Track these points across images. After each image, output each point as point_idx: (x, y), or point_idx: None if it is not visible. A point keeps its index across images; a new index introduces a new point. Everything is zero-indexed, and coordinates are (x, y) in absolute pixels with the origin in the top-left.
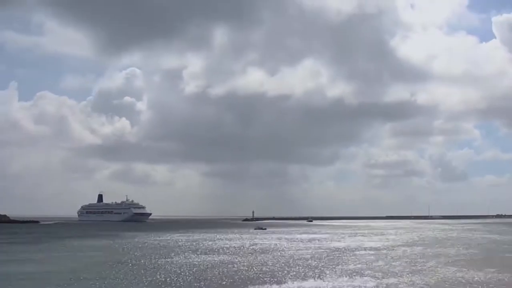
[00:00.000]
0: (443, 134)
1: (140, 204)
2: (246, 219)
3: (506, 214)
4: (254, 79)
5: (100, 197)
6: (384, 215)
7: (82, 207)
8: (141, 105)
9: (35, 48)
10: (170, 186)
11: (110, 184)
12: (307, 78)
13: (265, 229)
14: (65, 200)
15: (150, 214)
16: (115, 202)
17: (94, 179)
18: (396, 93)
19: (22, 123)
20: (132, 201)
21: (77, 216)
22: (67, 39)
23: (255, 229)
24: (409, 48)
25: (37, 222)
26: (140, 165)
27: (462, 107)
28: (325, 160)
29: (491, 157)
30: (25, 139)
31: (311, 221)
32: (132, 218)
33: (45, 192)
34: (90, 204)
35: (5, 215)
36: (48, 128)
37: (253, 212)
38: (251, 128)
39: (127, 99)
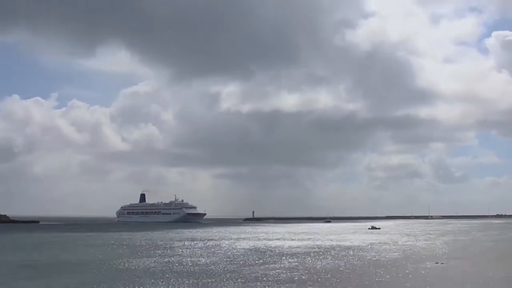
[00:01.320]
0: (443, 141)
1: (190, 204)
2: (247, 219)
3: (506, 214)
4: (282, 98)
5: (142, 197)
6: (384, 215)
7: (122, 207)
8: (168, 115)
9: (110, 75)
10: (190, 188)
11: (123, 185)
12: (327, 97)
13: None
14: (87, 200)
15: (205, 214)
16: (162, 202)
17: (107, 181)
18: (403, 109)
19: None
20: (182, 200)
21: (116, 217)
22: (135, 70)
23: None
24: (419, 73)
25: (37, 222)
26: (157, 168)
27: (462, 120)
28: (333, 164)
29: (489, 161)
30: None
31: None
32: (185, 218)
33: (64, 193)
34: (131, 204)
35: (5, 215)
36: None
37: (253, 212)
38: (271, 138)
39: (155, 107)
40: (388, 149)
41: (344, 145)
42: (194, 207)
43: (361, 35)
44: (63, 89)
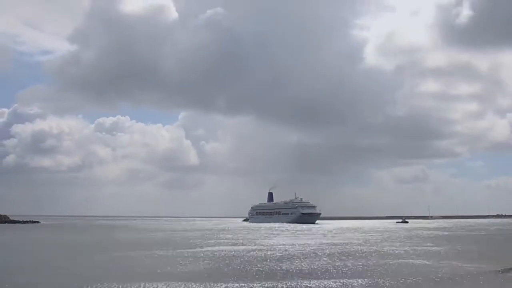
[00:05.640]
0: (444, 157)
1: (310, 202)
2: (246, 219)
3: (506, 214)
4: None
5: (270, 196)
6: (385, 215)
7: (252, 207)
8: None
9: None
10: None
11: (162, 190)
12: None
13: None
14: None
15: (320, 214)
16: (283, 201)
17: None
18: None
19: None
20: (301, 199)
21: (248, 217)
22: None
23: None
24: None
25: (37, 222)
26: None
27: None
28: (348, 173)
29: (485, 168)
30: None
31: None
32: (299, 219)
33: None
34: (260, 204)
35: (4, 215)
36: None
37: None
38: (315, 156)
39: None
40: (396, 162)
41: (358, 162)
42: (313, 206)
43: (400, 109)
44: None
